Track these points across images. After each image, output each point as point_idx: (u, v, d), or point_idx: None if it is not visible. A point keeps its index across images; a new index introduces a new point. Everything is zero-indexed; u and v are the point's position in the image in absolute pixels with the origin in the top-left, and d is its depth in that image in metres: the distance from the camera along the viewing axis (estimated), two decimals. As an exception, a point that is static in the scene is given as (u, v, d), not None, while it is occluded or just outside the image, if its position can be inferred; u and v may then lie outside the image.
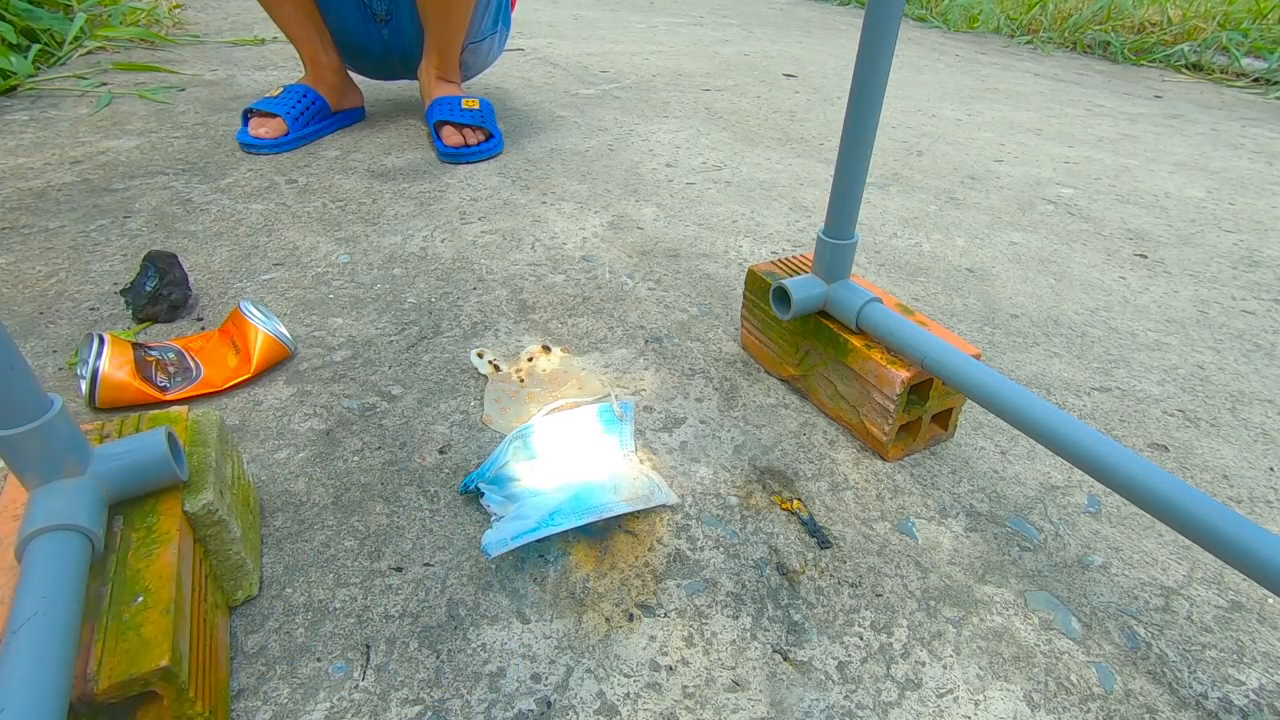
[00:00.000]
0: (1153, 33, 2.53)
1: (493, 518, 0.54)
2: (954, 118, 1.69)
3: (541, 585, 0.50)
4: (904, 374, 0.58)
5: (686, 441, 0.64)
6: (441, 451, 0.61)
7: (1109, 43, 2.56)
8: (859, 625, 0.49)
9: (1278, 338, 0.87)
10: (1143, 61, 2.48)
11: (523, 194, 1.12)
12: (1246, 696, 0.46)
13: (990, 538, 0.57)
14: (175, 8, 2.16)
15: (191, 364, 0.66)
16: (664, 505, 0.56)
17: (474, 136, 1.24)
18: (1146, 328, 0.87)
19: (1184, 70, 2.38)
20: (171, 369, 0.65)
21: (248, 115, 1.22)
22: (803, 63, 2.17)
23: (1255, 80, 2.24)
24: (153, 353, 0.65)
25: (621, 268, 0.92)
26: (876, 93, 0.54)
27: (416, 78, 1.35)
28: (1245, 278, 1.01)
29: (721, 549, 0.54)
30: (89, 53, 1.68)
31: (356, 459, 0.60)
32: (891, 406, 0.60)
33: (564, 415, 0.63)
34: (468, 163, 1.23)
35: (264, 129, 1.20)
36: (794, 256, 0.74)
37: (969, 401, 0.68)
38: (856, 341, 0.62)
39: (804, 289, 0.63)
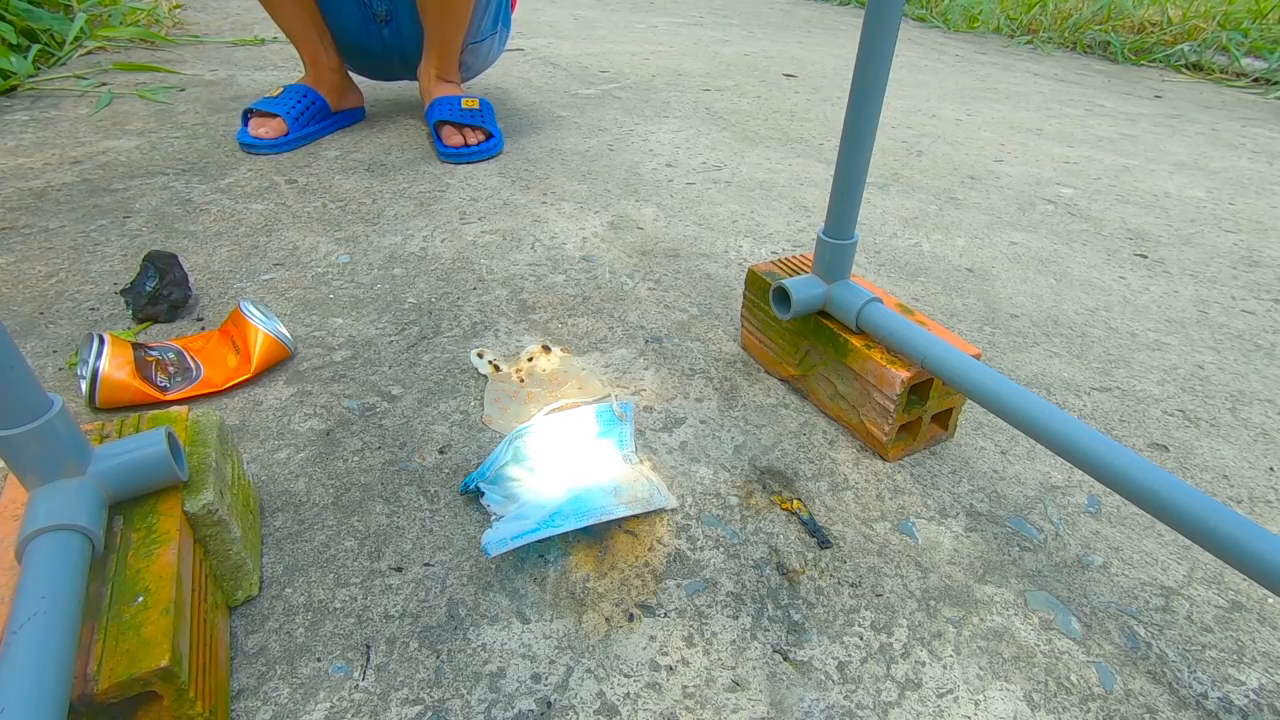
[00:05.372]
0: (1153, 33, 2.53)
1: (493, 517, 0.54)
2: (954, 118, 1.69)
3: (541, 585, 0.50)
4: (904, 374, 0.58)
5: (686, 441, 0.64)
6: (441, 451, 0.61)
7: (1109, 43, 2.55)
8: (859, 625, 0.49)
9: (1278, 338, 0.87)
10: (1143, 61, 2.48)
11: (523, 194, 1.12)
12: (1246, 696, 0.46)
13: (990, 538, 0.57)
14: (175, 8, 2.16)
15: (191, 364, 0.66)
16: (663, 509, 0.56)
17: (474, 136, 1.24)
18: (1146, 328, 0.87)
19: (1184, 70, 2.38)
20: (171, 369, 0.65)
21: (248, 115, 1.22)
22: (803, 63, 2.17)
23: (1255, 80, 2.24)
24: (153, 353, 0.65)
25: (621, 268, 0.92)
26: (876, 93, 0.54)
27: (416, 78, 1.35)
28: (1245, 278, 1.01)
29: (721, 549, 0.54)
30: (89, 53, 1.68)
31: (356, 459, 0.60)
32: (891, 406, 0.60)
33: (564, 415, 0.63)
34: (468, 163, 1.23)
35: (264, 129, 1.20)
36: (794, 256, 0.74)
37: (969, 401, 0.68)
38: (856, 341, 0.62)
39: (804, 289, 0.63)
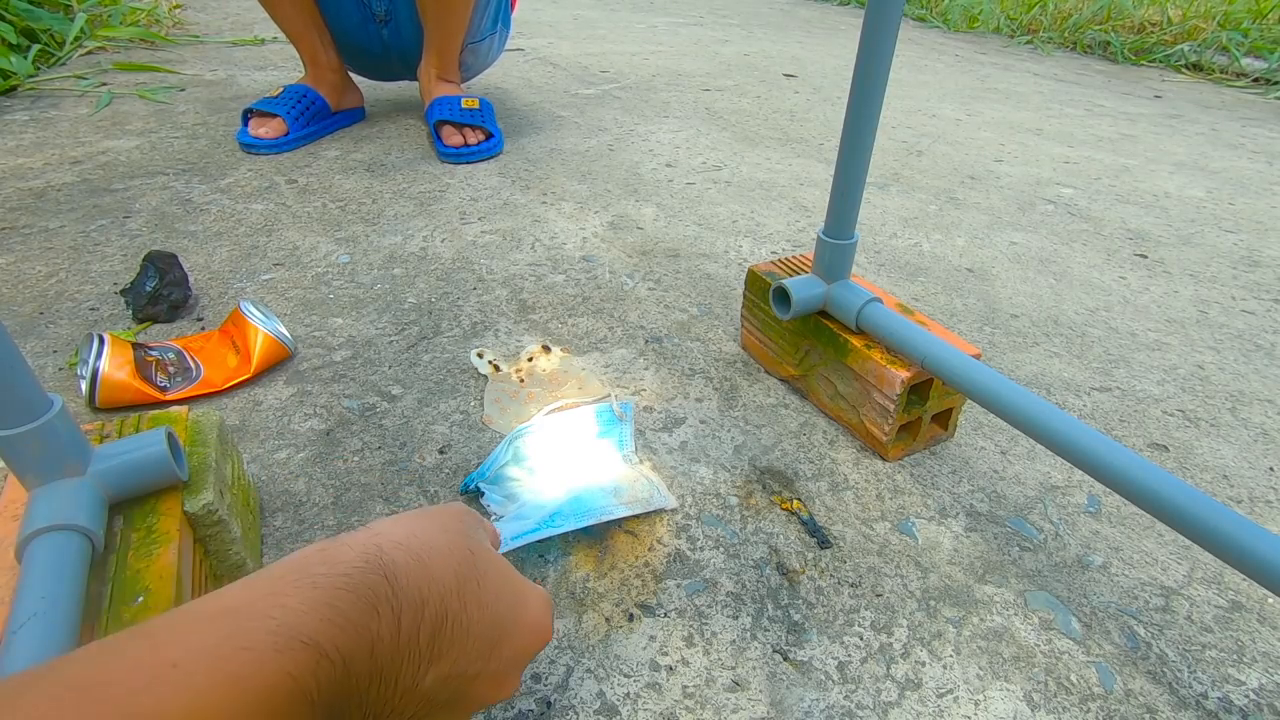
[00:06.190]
0: (1153, 33, 2.53)
1: (493, 518, 0.54)
2: (954, 118, 1.69)
3: (541, 585, 0.50)
4: (904, 374, 0.58)
5: (686, 441, 0.64)
6: (441, 451, 0.61)
7: (1109, 43, 2.56)
8: (859, 625, 0.49)
9: (1278, 338, 0.87)
10: (1143, 61, 2.48)
11: (523, 194, 1.12)
12: (1246, 696, 0.46)
13: (990, 538, 0.57)
14: (175, 8, 2.16)
15: (191, 364, 0.66)
16: (663, 509, 0.56)
17: (474, 136, 1.24)
18: (1146, 328, 0.87)
19: (1184, 70, 2.38)
20: (171, 369, 0.65)
21: (248, 115, 1.22)
22: (803, 63, 2.17)
23: (1255, 80, 2.24)
24: (153, 353, 0.65)
25: (621, 268, 0.92)
26: (876, 93, 0.54)
27: (416, 78, 1.35)
28: (1245, 278, 1.01)
29: (721, 549, 0.54)
30: (89, 53, 1.68)
31: (356, 459, 0.60)
32: (891, 406, 0.60)
33: (564, 415, 0.63)
34: (468, 163, 1.23)
35: (264, 129, 1.20)
36: (794, 256, 0.74)
37: (969, 401, 0.68)
38: (856, 341, 0.62)
39: (804, 289, 0.63)
